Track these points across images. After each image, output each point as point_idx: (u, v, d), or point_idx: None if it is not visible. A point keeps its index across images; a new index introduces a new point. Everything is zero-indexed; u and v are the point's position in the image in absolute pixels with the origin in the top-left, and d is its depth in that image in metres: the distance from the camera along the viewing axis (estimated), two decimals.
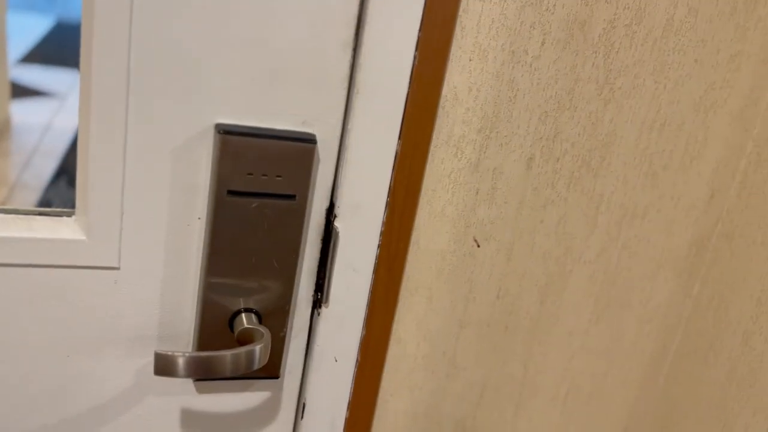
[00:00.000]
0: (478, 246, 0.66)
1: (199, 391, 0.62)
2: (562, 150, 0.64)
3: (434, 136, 0.60)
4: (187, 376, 0.53)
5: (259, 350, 0.54)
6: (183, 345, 0.60)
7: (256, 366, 0.54)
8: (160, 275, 0.56)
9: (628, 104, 0.64)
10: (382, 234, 0.61)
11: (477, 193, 0.63)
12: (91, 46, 0.48)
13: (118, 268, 0.55)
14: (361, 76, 0.54)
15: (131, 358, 0.58)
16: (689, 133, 0.68)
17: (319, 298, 0.62)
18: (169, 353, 0.51)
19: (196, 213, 0.55)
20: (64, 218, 0.53)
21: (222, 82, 0.51)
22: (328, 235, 0.60)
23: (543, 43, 0.59)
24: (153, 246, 0.55)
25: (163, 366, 0.51)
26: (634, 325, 0.77)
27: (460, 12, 0.56)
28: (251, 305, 0.58)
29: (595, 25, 0.60)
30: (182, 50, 0.49)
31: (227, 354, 0.52)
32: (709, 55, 0.65)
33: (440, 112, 0.59)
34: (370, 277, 0.63)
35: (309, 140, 0.54)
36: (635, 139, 0.66)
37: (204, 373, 0.54)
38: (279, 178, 0.54)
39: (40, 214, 0.53)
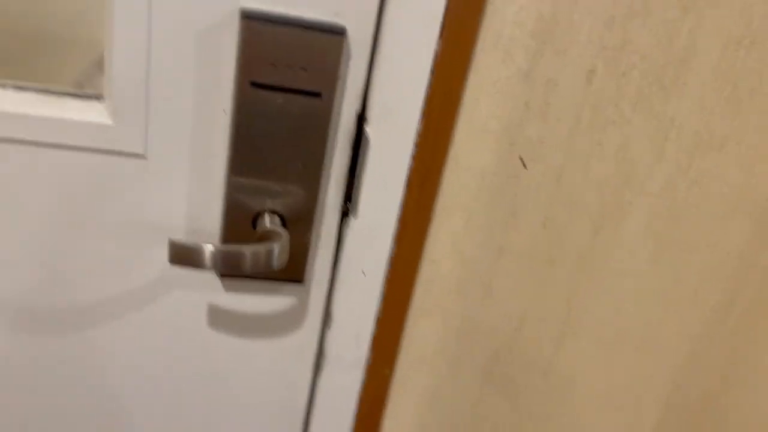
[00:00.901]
0: (525, 167, 0.61)
1: (226, 288, 0.62)
2: (629, 63, 0.57)
3: (480, 38, 0.54)
4: (205, 267, 0.52)
5: (277, 248, 0.53)
6: (209, 240, 0.59)
7: (274, 265, 0.53)
8: (186, 168, 0.56)
9: (711, 14, 0.56)
10: (417, 144, 0.57)
11: (526, 106, 0.58)
12: None
13: (144, 157, 0.55)
14: None
15: (157, 249, 0.59)
16: None
17: (348, 208, 0.60)
18: (184, 242, 0.51)
19: (221, 105, 0.53)
20: (94, 102, 0.53)
21: None
22: (359, 142, 0.57)
23: None
24: (179, 136, 0.54)
25: (177, 254, 0.51)
26: (698, 271, 0.70)
27: None
28: (276, 207, 0.57)
29: None
30: None
31: (243, 249, 0.51)
32: None
33: (488, 9, 0.53)
34: (402, 190, 0.59)
35: (338, 32, 0.50)
36: (718, 56, 0.58)
37: (221, 267, 0.53)
38: (304, 72, 0.51)
39: (73, 95, 0.54)
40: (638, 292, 0.70)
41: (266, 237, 0.55)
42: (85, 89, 0.55)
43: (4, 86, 0.52)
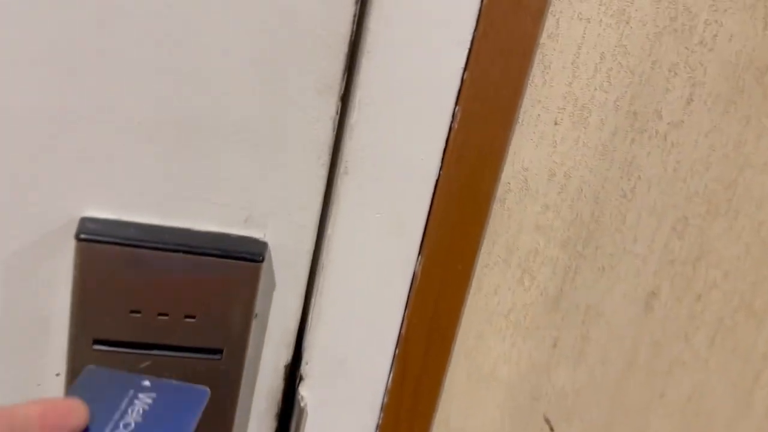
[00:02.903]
0: (552, 430, 0.39)
1: None
2: (708, 281, 0.37)
3: (483, 249, 0.34)
4: None
5: None
6: None
7: None
8: None
9: None
10: (384, 408, 0.36)
11: (555, 345, 0.37)
12: None
13: None
14: (351, 146, 0.30)
15: None
16: None
17: None
18: None
19: (53, 367, 0.31)
20: None
21: (92, 136, 0.28)
22: (290, 408, 0.35)
23: (690, 101, 0.33)
24: None
25: None
26: None
27: (543, 39, 0.31)
28: None
29: None
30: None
31: None
32: None
33: (496, 209, 0.34)
34: None
35: (250, 256, 0.30)
36: None
37: None
38: (190, 321, 0.30)
39: None
40: None
41: None
42: None
43: None
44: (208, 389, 0.26)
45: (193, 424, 0.25)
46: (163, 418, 0.24)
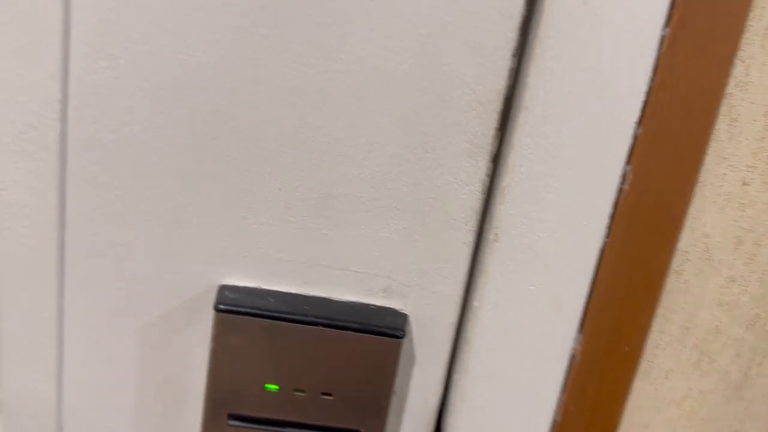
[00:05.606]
0: None
1: None
2: None
3: (654, 328, 0.30)
4: None
5: None
6: None
7: None
8: None
9: None
10: None
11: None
12: None
13: None
14: (502, 211, 0.27)
15: None
16: None
17: None
18: None
19: None
20: None
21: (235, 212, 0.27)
22: None
23: None
24: None
25: None
26: None
27: (731, 88, 0.26)
28: None
29: None
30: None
31: None
32: None
33: (672, 282, 0.29)
34: None
35: (391, 331, 0.27)
36: None
37: None
38: (327, 398, 0.28)
39: None
40: None
41: None
42: None
43: None
44: None
45: None
46: None
